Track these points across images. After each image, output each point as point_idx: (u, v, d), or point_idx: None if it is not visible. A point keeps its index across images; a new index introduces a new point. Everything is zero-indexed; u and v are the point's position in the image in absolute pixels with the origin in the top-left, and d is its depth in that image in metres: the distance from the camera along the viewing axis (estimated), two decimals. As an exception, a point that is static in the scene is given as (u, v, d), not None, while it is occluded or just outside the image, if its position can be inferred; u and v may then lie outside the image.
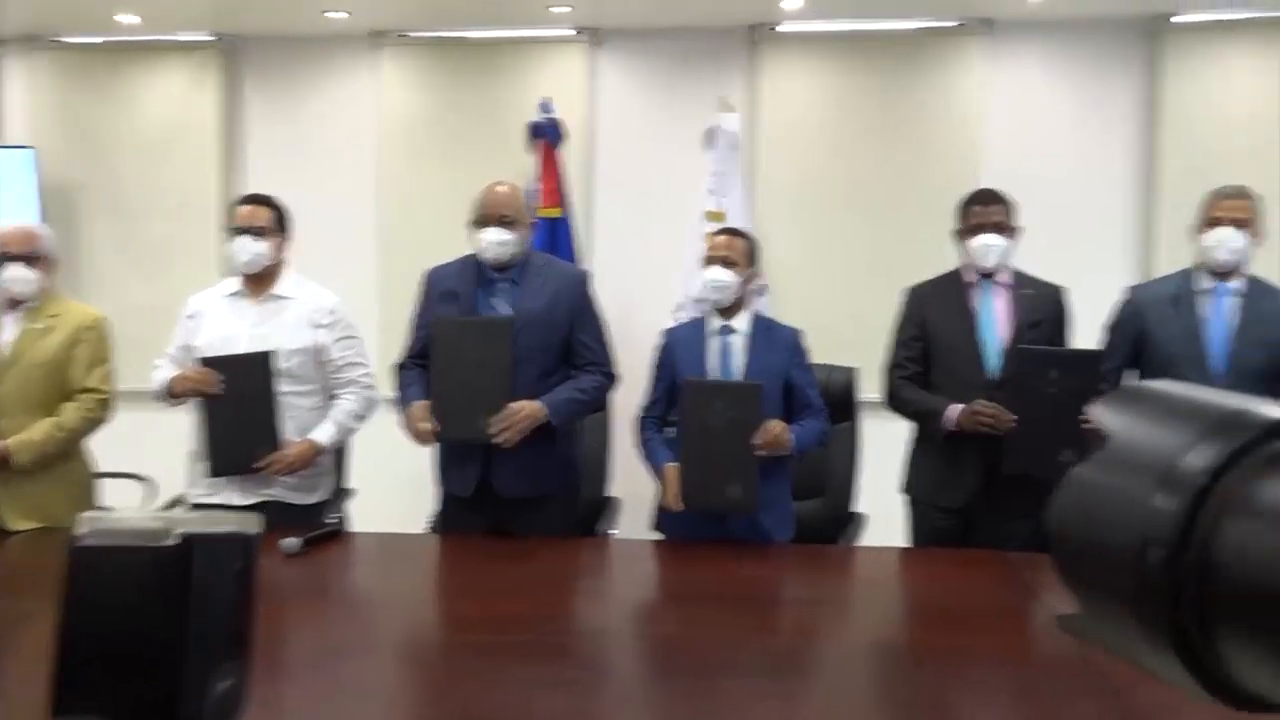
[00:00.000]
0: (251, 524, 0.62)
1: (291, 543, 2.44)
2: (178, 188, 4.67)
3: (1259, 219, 2.64)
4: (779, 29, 4.43)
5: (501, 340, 2.61)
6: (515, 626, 2.02)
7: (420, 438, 2.62)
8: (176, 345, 2.85)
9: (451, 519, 2.80)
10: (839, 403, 3.15)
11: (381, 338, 4.42)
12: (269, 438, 2.69)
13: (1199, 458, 0.39)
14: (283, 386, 2.73)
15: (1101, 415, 0.45)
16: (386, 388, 3.00)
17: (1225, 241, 2.61)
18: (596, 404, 2.89)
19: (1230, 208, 2.63)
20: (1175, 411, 0.42)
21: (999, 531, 2.74)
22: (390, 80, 4.63)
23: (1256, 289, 2.66)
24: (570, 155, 4.39)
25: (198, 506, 2.76)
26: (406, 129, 4.64)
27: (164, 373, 2.77)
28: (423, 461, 2.87)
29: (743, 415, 2.53)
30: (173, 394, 2.74)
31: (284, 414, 2.73)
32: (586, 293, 2.79)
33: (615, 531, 3.21)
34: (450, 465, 2.77)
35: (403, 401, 2.72)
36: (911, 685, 1.81)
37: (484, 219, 2.70)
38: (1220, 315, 2.65)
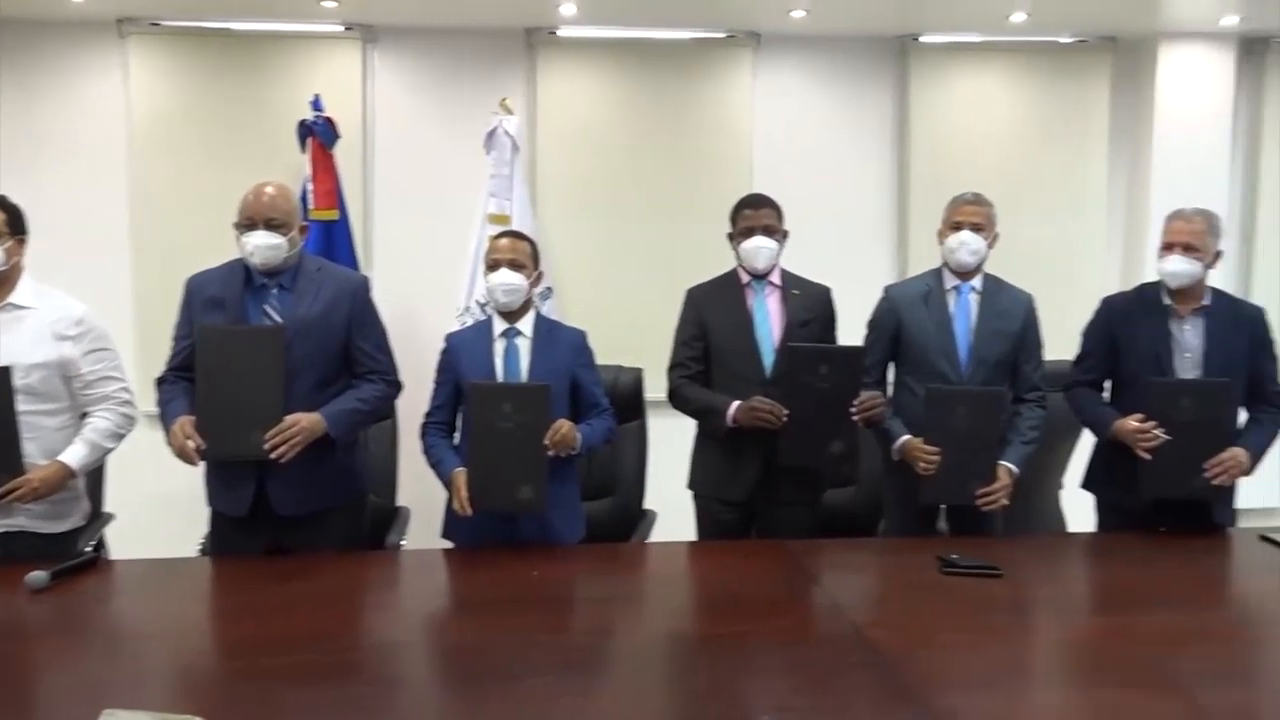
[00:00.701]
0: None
1: (38, 576, 2.22)
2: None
3: (992, 223, 2.92)
4: (557, 33, 4.47)
5: (272, 350, 2.48)
6: (297, 647, 1.94)
7: (186, 456, 2.46)
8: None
9: (225, 541, 2.64)
10: (627, 402, 3.23)
11: (139, 350, 4.14)
12: (9, 463, 2.45)
13: None
14: (23, 405, 2.49)
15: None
16: (147, 403, 2.80)
17: (965, 244, 2.86)
18: (380, 413, 2.81)
19: (969, 213, 2.88)
20: None
21: (779, 520, 2.89)
22: (139, 72, 4.32)
23: (992, 286, 2.94)
24: (345, 155, 4.25)
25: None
26: (161, 125, 4.34)
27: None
28: (192, 481, 2.69)
29: (531, 416, 2.54)
30: None
31: (25, 435, 2.48)
32: (365, 298, 2.70)
33: (405, 542, 3.13)
34: (221, 484, 2.61)
35: (165, 417, 2.54)
36: (699, 672, 1.88)
37: (250, 222, 2.56)
38: (964, 311, 2.90)
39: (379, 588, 2.47)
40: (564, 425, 2.57)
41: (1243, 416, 2.89)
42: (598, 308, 4.39)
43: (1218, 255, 2.84)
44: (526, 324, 2.75)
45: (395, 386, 2.74)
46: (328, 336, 2.60)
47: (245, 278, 2.60)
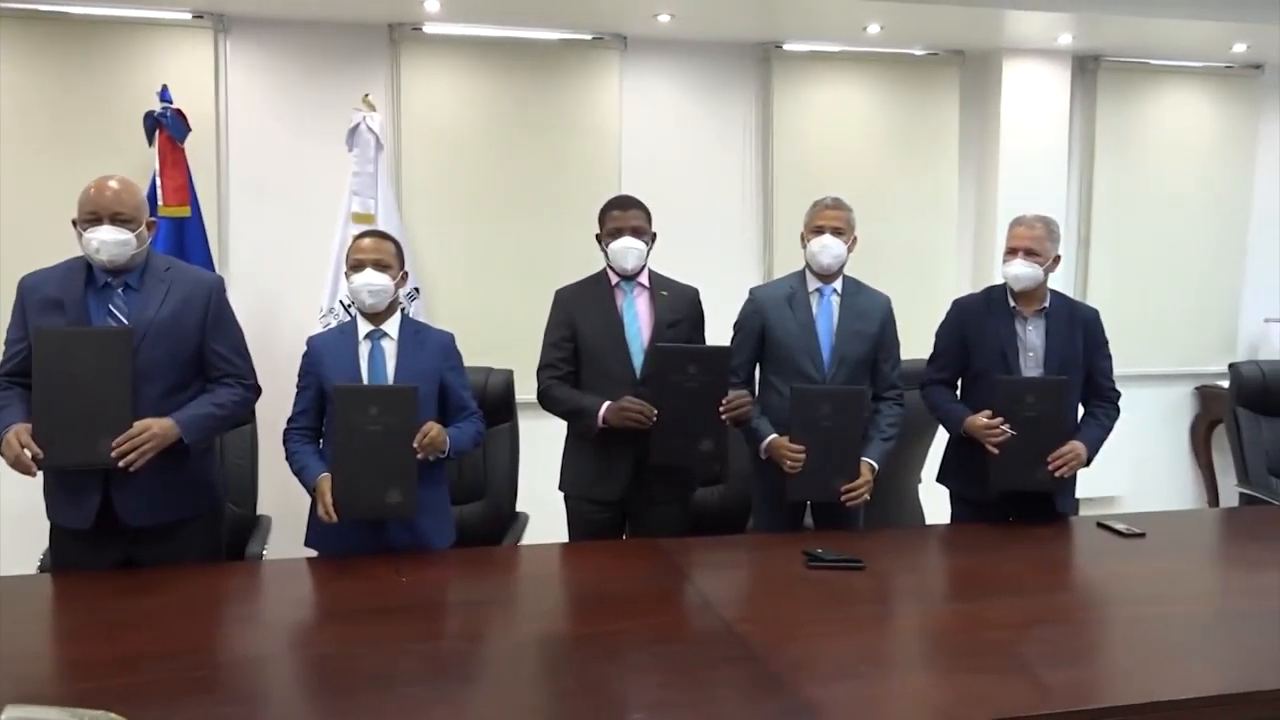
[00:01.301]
0: None
1: None
2: None
3: (852, 227, 3.02)
4: (422, 29, 4.39)
5: (118, 353, 2.35)
6: (148, 666, 1.84)
7: (22, 466, 2.30)
8: None
9: (68, 556, 2.48)
10: (497, 404, 3.20)
11: (-33, 354, 3.85)
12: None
13: None
14: None
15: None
16: (-24, 411, 2.60)
17: (827, 248, 2.94)
18: (236, 418, 2.69)
19: (830, 217, 2.97)
20: None
21: (651, 518, 2.91)
22: (-32, 57, 4.01)
23: (852, 288, 3.04)
24: (197, 150, 4.06)
25: None
26: (-8, 113, 4.05)
27: None
28: (29, 493, 2.52)
29: (398, 419, 2.49)
30: None
31: None
32: (220, 299, 2.58)
33: (267, 552, 3.02)
34: (62, 495, 2.45)
35: (-2, 426, 2.38)
36: (572, 673, 1.88)
37: (94, 217, 2.42)
38: (826, 312, 2.99)
39: (238, 600, 2.37)
40: (433, 428, 2.53)
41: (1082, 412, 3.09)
42: (466, 309, 4.34)
43: (1057, 259, 3.01)
44: (392, 326, 2.69)
45: (253, 390, 2.64)
46: (179, 339, 2.48)
47: (86, 277, 2.45)
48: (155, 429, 2.36)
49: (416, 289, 4.18)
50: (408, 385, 2.57)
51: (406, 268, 2.79)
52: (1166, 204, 5.23)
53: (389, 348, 2.67)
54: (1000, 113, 4.95)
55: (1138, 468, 5.18)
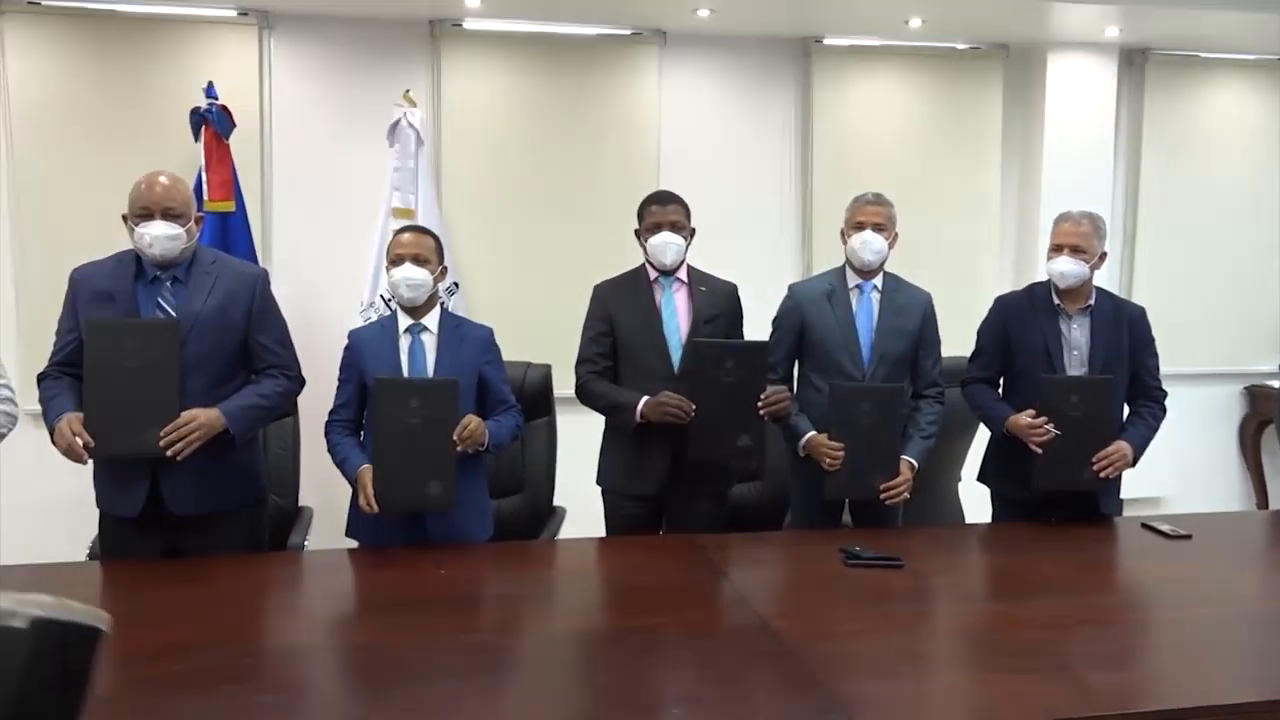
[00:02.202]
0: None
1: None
2: None
3: (893, 223, 3.00)
4: (462, 25, 4.41)
5: (166, 344, 2.39)
6: (192, 654, 1.87)
7: (74, 454, 2.35)
8: None
9: (117, 544, 2.54)
10: (535, 399, 3.22)
11: (21, 345, 3.96)
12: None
13: None
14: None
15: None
16: (30, 400, 2.67)
17: (868, 244, 2.93)
18: (281, 410, 2.73)
19: (871, 213, 2.95)
20: None
21: (687, 514, 2.91)
22: (17, 54, 4.10)
23: (892, 285, 3.02)
24: (242, 145, 4.12)
25: None
26: (43, 111, 4.13)
27: None
28: (80, 481, 2.58)
29: (438, 412, 2.51)
30: None
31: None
32: (265, 291, 2.62)
33: (308, 543, 3.06)
34: (112, 484, 2.51)
35: (49, 415, 2.43)
36: (608, 667, 1.88)
37: (146, 212, 2.46)
38: (865, 310, 2.97)
39: (279, 590, 2.41)
40: (472, 421, 2.54)
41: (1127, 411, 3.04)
42: (505, 304, 4.36)
43: (1103, 256, 2.97)
44: (432, 320, 2.71)
45: (298, 382, 2.67)
46: (225, 331, 2.52)
47: (136, 270, 2.50)
48: (202, 419, 2.40)
49: (456, 284, 4.21)
50: (448, 379, 2.59)
51: (446, 262, 2.81)
52: (1215, 199, 5.13)
53: (429, 341, 2.69)
54: (1045, 107, 4.88)
55: (1184, 469, 5.10)
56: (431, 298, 2.71)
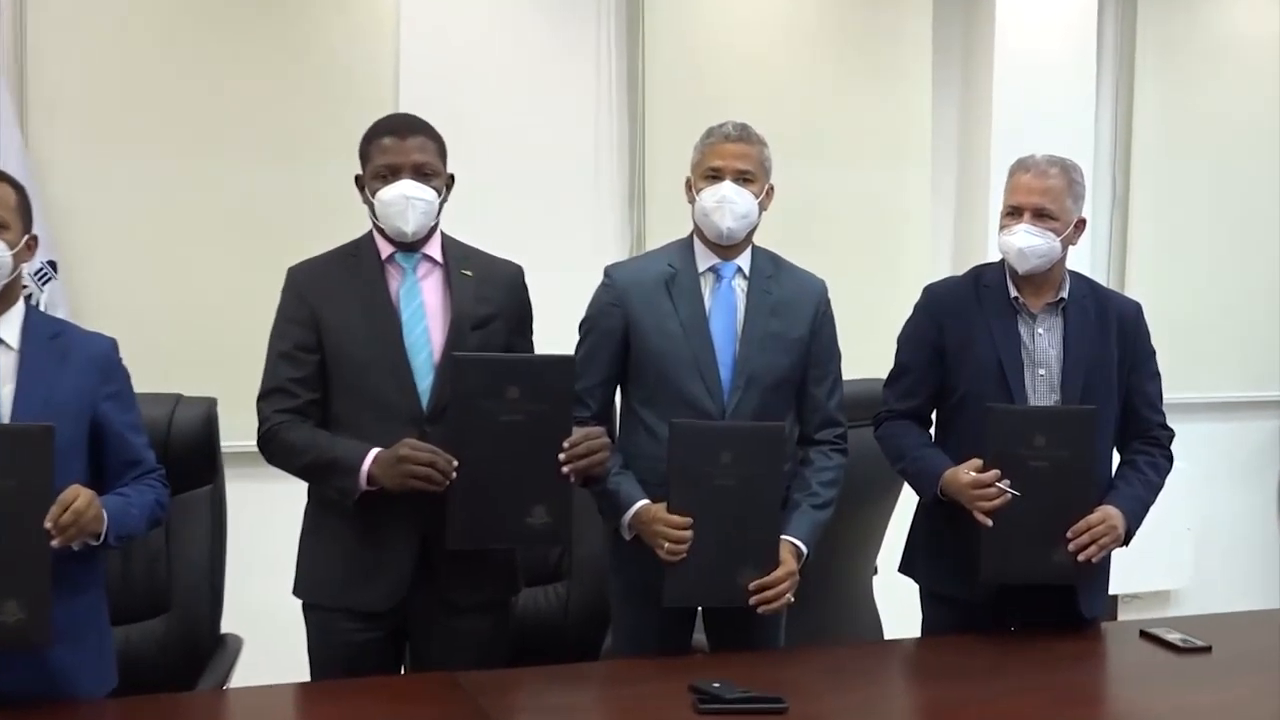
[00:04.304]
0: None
1: None
2: None
3: (766, 172, 3.01)
4: None
5: None
6: None
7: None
8: None
9: None
10: (191, 455, 3.17)
11: None
12: None
13: None
14: None
15: None
16: None
17: (728, 202, 2.93)
18: None
19: (732, 154, 2.96)
20: None
21: (445, 638, 2.91)
22: None
23: (767, 268, 3.04)
24: None
25: None
26: None
27: None
28: None
29: (23, 481, 2.41)
30: None
31: None
32: None
33: None
34: None
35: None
36: None
37: None
38: (725, 306, 3.00)
39: None
40: (78, 497, 2.46)
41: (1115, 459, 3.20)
42: (136, 298, 4.23)
43: (1080, 225, 3.12)
44: (9, 325, 2.62)
45: None
46: None
47: None
48: None
49: (52, 263, 4.06)
50: (37, 425, 2.50)
51: (35, 230, 2.71)
52: (1241, 145, 5.46)
53: (4, 361, 2.60)
54: (995, 7, 5.11)
55: (1201, 545, 5.35)
56: (9, 288, 2.62)
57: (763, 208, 3.04)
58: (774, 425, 2.95)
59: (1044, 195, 3.04)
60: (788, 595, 2.89)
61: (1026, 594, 3.05)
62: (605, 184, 4.88)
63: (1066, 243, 3.08)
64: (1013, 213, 3.06)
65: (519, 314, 3.02)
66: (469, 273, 2.96)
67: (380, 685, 2.80)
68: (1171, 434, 3.21)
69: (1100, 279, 4.40)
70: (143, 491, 2.66)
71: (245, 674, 3.07)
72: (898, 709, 2.75)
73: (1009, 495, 2.92)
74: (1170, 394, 3.25)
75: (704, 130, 3.07)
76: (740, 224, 3.00)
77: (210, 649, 3.15)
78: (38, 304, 2.66)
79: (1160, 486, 3.16)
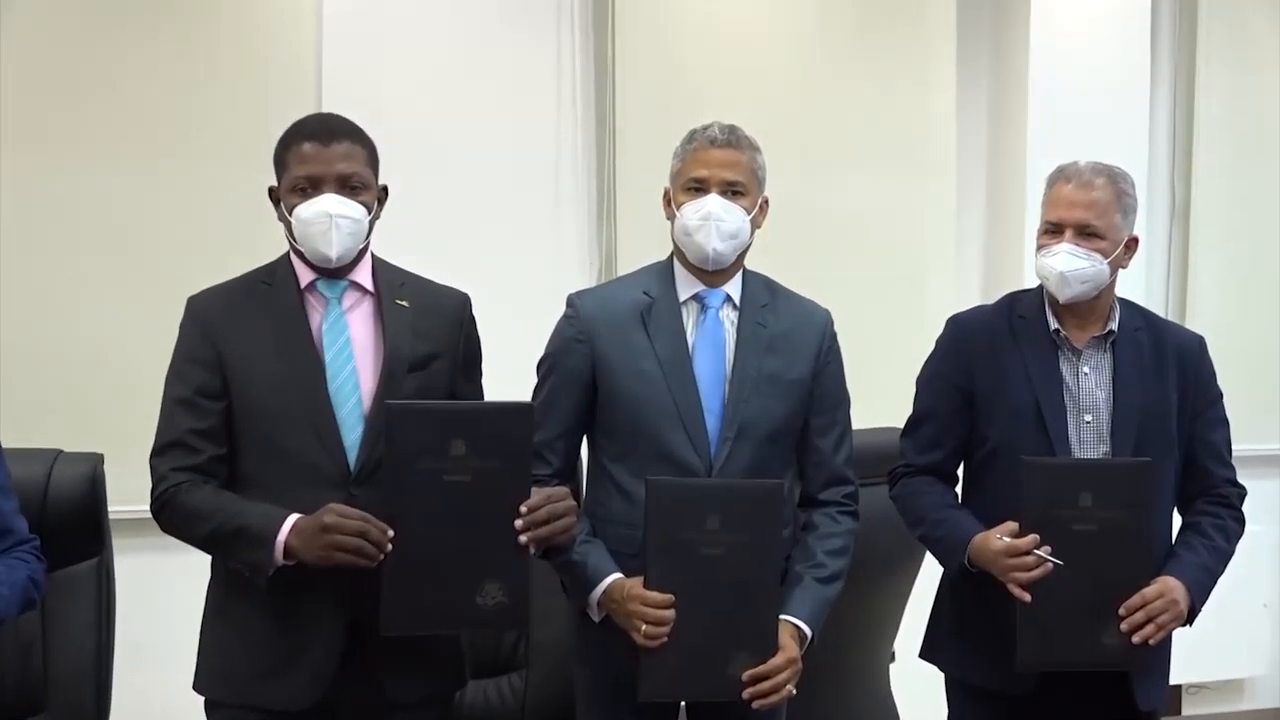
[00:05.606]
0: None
1: None
2: None
3: (760, 183, 3.02)
4: None
5: None
6: None
7: None
8: None
9: None
10: (72, 521, 3.15)
11: None
12: None
13: None
14: None
15: None
16: None
17: (715, 219, 2.94)
18: None
19: (719, 162, 2.97)
20: None
21: None
22: None
23: (761, 297, 3.06)
24: None
25: None
26: None
27: None
28: None
29: None
30: None
31: None
32: None
33: None
34: None
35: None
36: None
37: None
38: (711, 341, 3.01)
39: None
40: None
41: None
42: (2, 335, 4.20)
43: (1131, 244, 3.14)
44: None
45: None
46: None
47: None
48: None
49: None
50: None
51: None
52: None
53: None
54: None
55: (1280, 624, 5.40)
56: None
57: (755, 225, 3.05)
58: (771, 483, 2.95)
59: (1089, 209, 3.05)
60: (788, 686, 2.88)
61: (1072, 684, 3.04)
62: (568, 196, 4.90)
63: (1115, 265, 3.09)
64: (1052, 230, 3.07)
65: (465, 352, 3.03)
66: (405, 303, 2.96)
67: None
68: (1243, 492, 3.22)
69: (1157, 308, 4.42)
70: (13, 567, 2.66)
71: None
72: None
73: (1050, 565, 2.92)
74: (1240, 445, 3.26)
75: (685, 134, 3.09)
76: (729, 245, 3.01)
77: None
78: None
79: (1230, 554, 3.17)
